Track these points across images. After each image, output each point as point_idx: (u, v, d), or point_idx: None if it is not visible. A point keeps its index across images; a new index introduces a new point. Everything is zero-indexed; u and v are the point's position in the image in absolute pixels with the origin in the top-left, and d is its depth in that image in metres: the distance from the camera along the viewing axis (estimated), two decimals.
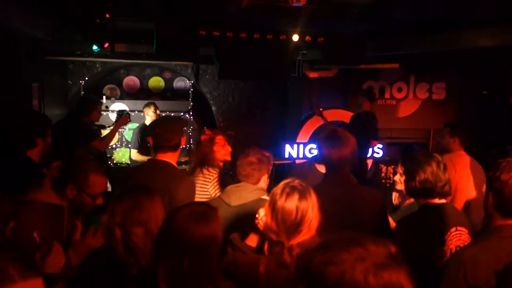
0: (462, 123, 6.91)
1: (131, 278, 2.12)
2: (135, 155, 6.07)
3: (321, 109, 6.21)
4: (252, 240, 2.32)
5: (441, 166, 2.45)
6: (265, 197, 2.84)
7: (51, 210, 2.31)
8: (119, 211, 2.33)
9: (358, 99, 5.99)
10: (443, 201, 2.47)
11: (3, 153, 3.21)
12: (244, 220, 2.75)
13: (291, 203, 1.99)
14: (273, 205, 2.03)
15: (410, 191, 2.54)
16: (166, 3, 4.18)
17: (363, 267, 1.11)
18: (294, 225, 1.99)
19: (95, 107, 5.04)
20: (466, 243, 2.36)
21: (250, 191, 2.87)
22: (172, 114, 7.46)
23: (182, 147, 7.52)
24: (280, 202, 2.01)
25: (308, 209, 2.00)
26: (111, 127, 5.51)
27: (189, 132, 7.85)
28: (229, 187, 2.97)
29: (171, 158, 3.01)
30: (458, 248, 2.34)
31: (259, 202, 2.77)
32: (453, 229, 2.39)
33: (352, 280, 1.10)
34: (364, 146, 5.62)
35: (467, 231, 2.43)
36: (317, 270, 1.15)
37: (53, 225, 2.28)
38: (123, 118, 5.33)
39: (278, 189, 2.07)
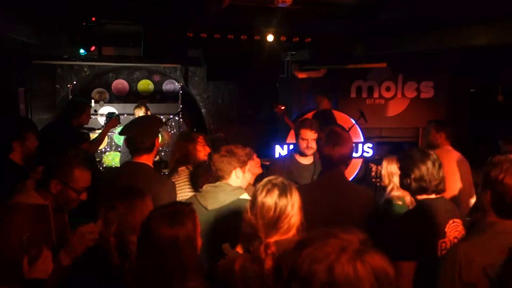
0: (451, 121, 7.00)
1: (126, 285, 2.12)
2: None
3: (282, 107, 5.90)
4: (240, 247, 2.31)
5: (436, 164, 2.48)
6: (244, 196, 2.80)
7: (35, 210, 2.27)
8: (113, 220, 2.32)
9: (316, 97, 6.11)
10: (438, 195, 2.51)
11: None
12: (223, 225, 2.70)
13: (270, 199, 1.99)
14: (253, 200, 2.04)
15: (405, 187, 2.58)
16: (153, 5, 4.17)
17: (347, 256, 1.10)
18: (272, 222, 1.97)
19: (84, 110, 5.01)
20: (461, 234, 2.44)
21: (227, 193, 2.76)
22: (162, 117, 7.43)
23: (168, 150, 7.54)
24: (260, 197, 2.00)
25: (287, 206, 1.99)
26: (100, 130, 5.48)
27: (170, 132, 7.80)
28: (206, 187, 2.85)
29: (147, 159, 2.99)
30: (456, 240, 2.40)
31: (237, 203, 2.72)
32: (451, 221, 2.45)
33: (342, 273, 1.09)
34: None
35: (461, 223, 2.50)
36: (303, 271, 1.12)
37: (39, 226, 2.24)
38: (113, 120, 5.30)
39: (260, 185, 2.07)
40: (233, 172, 2.81)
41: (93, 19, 4.31)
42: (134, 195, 2.41)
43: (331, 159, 2.82)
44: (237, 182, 2.83)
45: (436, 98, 7.17)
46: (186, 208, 1.92)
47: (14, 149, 3.20)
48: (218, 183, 2.81)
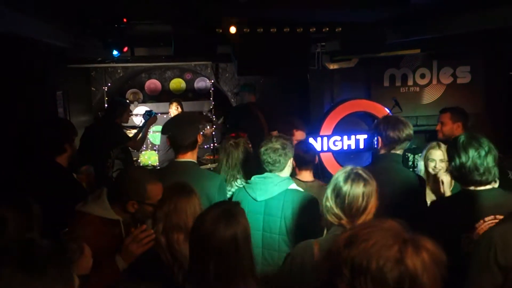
0: (489, 106, 6.76)
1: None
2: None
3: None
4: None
5: (482, 152, 2.30)
6: (292, 186, 2.84)
7: (106, 225, 2.30)
8: (160, 219, 2.35)
9: (240, 93, 6.06)
10: (485, 187, 2.35)
11: (34, 160, 3.30)
12: (273, 215, 2.78)
13: (358, 189, 2.06)
14: (337, 191, 2.09)
15: (451, 175, 2.55)
16: (182, 4, 4.21)
17: (411, 248, 1.15)
18: (360, 211, 2.06)
19: (126, 109, 5.21)
20: None
21: (276, 184, 2.82)
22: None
23: (206, 147, 7.63)
24: (346, 187, 2.07)
25: (372, 194, 2.08)
26: (135, 130, 5.62)
27: (213, 132, 7.88)
28: (254, 179, 2.92)
29: (191, 156, 3.04)
30: None
31: (287, 194, 2.80)
32: (490, 217, 2.27)
33: (413, 265, 1.14)
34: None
35: None
36: (373, 268, 1.14)
37: (108, 240, 2.28)
38: (152, 118, 5.48)
39: (341, 175, 2.13)
40: (288, 163, 2.91)
41: (125, 20, 4.39)
42: (180, 194, 2.43)
43: (395, 141, 3.02)
44: (286, 173, 2.91)
45: (473, 83, 6.94)
46: (236, 206, 1.92)
47: (66, 150, 3.29)
48: (266, 174, 2.88)
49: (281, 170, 2.87)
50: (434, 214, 2.50)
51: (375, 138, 3.58)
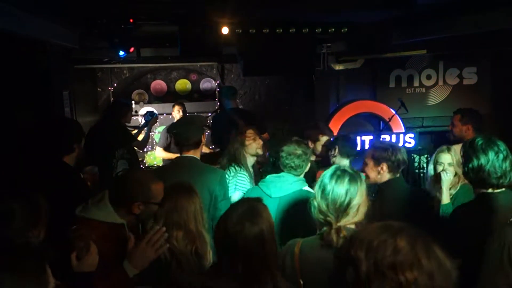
0: (496, 107, 6.73)
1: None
2: (160, 152, 6.21)
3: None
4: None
5: (500, 156, 2.27)
6: (307, 188, 2.95)
7: (112, 230, 2.28)
8: (160, 217, 2.39)
9: (221, 99, 5.99)
10: (500, 190, 2.31)
11: (42, 159, 3.31)
12: (286, 212, 2.88)
13: (342, 186, 2.06)
14: (323, 187, 2.10)
15: (465, 177, 2.48)
16: (188, 4, 4.22)
17: (422, 245, 1.20)
18: (343, 206, 2.04)
19: (130, 109, 5.24)
20: None
21: (291, 183, 2.95)
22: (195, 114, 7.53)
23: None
24: (331, 184, 2.07)
25: (357, 192, 2.06)
26: (136, 130, 5.66)
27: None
28: (269, 177, 3.05)
29: (193, 154, 3.24)
30: None
31: (300, 193, 2.90)
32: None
33: (429, 264, 1.19)
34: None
35: None
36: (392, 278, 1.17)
37: (114, 245, 2.25)
38: (154, 118, 5.52)
39: (328, 172, 2.14)
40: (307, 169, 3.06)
41: (131, 20, 4.41)
42: (181, 192, 2.46)
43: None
44: (301, 173, 3.04)
45: (479, 84, 6.91)
46: (259, 203, 1.92)
47: (75, 150, 3.30)
48: (282, 173, 3.02)
49: (301, 174, 3.01)
50: (454, 221, 2.46)
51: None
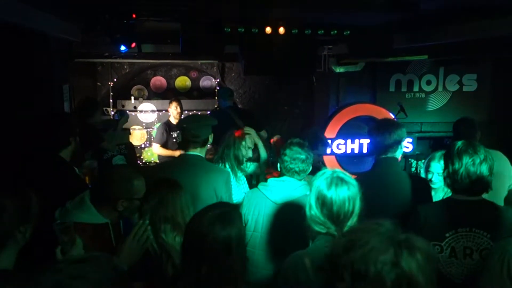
0: (495, 115, 6.74)
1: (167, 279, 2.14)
2: (157, 149, 6.20)
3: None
4: None
5: (476, 161, 2.25)
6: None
7: (97, 230, 2.29)
8: (146, 212, 2.40)
9: (221, 100, 5.97)
10: (474, 197, 2.31)
11: (38, 153, 3.29)
12: (289, 219, 2.76)
13: (343, 194, 1.99)
14: (322, 199, 2.02)
15: (444, 182, 2.47)
16: (190, 2, 4.21)
17: (406, 250, 1.19)
18: (348, 216, 1.99)
19: (97, 108, 4.98)
20: (482, 247, 2.25)
21: (295, 188, 2.84)
22: (199, 113, 7.51)
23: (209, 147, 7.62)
24: (331, 194, 2.00)
25: (356, 196, 2.02)
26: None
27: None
28: (272, 181, 2.93)
29: (200, 152, 3.19)
30: (467, 250, 2.25)
31: (306, 199, 2.77)
32: (466, 229, 2.25)
33: (408, 268, 1.20)
34: None
35: (488, 235, 2.26)
36: (371, 273, 1.18)
37: (100, 245, 2.27)
38: (124, 118, 5.27)
39: (322, 182, 2.05)
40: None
41: (133, 16, 4.39)
42: (166, 188, 2.47)
43: (384, 145, 2.97)
44: (304, 177, 2.94)
45: (479, 91, 6.92)
46: (235, 209, 1.92)
47: (71, 143, 3.29)
48: (285, 177, 2.89)
49: (303, 178, 2.92)
50: (418, 217, 2.45)
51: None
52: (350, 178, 2.07)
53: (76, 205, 2.33)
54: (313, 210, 2.04)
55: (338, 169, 2.12)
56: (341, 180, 2.03)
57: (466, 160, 2.26)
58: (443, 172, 2.43)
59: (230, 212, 1.86)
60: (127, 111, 5.73)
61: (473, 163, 2.25)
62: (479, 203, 2.33)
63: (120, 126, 5.21)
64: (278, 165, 2.96)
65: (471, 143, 2.36)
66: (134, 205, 2.37)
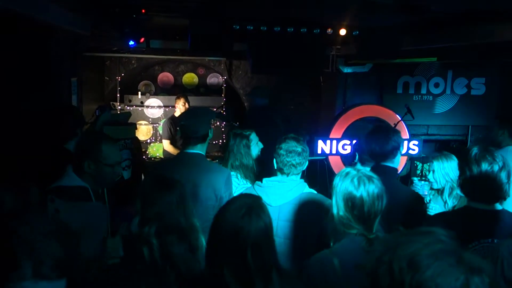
0: (503, 119, 6.70)
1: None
2: (167, 146, 6.22)
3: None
4: None
5: (495, 168, 2.18)
6: (308, 189, 2.78)
7: (75, 192, 2.35)
8: (152, 218, 2.27)
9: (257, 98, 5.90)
10: (492, 206, 2.24)
11: (45, 145, 3.31)
12: (288, 222, 2.67)
13: (373, 193, 1.98)
14: (351, 200, 1.99)
15: (460, 189, 2.41)
16: None
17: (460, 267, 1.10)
18: (378, 213, 1.98)
19: (67, 120, 4.82)
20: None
21: (290, 189, 2.71)
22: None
23: (215, 142, 7.65)
24: (360, 194, 1.97)
25: (383, 194, 2.00)
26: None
27: (222, 128, 7.90)
28: (267, 182, 2.79)
29: (200, 149, 3.03)
30: None
31: (302, 198, 2.69)
32: (488, 240, 2.19)
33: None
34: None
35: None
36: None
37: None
38: (104, 115, 5.12)
39: (348, 182, 2.01)
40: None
41: (143, 11, 4.40)
42: (161, 187, 2.38)
43: (378, 153, 2.89)
44: (298, 176, 2.82)
45: (487, 95, 6.89)
46: (258, 199, 1.89)
47: (77, 135, 3.31)
48: (280, 178, 2.77)
49: (300, 172, 2.80)
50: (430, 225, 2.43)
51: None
52: (374, 175, 2.04)
53: (59, 177, 2.42)
54: (341, 211, 2.00)
55: (361, 167, 2.09)
56: (368, 178, 2.00)
57: (485, 167, 2.20)
58: (459, 178, 2.37)
59: (257, 202, 1.82)
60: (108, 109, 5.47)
61: (492, 170, 2.19)
62: (500, 213, 2.25)
63: (100, 122, 4.68)
64: (274, 161, 2.81)
65: (487, 148, 2.30)
66: (103, 170, 2.39)
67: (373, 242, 1.92)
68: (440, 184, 3.65)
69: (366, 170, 2.07)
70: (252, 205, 1.76)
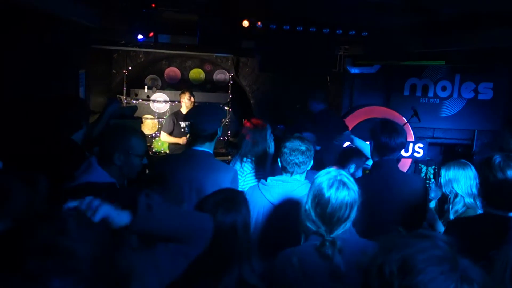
0: (510, 124, 6.67)
1: None
2: (164, 136, 6.32)
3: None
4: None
5: None
6: None
7: (104, 189, 2.28)
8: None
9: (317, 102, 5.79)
10: (509, 214, 2.22)
11: (51, 136, 3.32)
12: (289, 221, 2.63)
13: (341, 199, 1.95)
14: (318, 198, 1.98)
15: (480, 197, 2.43)
16: None
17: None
18: (341, 220, 1.95)
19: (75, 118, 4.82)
20: None
21: (295, 189, 2.72)
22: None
23: (220, 139, 7.66)
24: (328, 195, 1.96)
25: (355, 203, 1.97)
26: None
27: (227, 124, 7.90)
28: (271, 180, 2.80)
29: (208, 147, 3.00)
30: None
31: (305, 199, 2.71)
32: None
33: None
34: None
35: None
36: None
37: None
38: (113, 105, 5.08)
39: (324, 181, 2.00)
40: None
41: (153, 5, 4.40)
42: (160, 183, 2.40)
43: (387, 147, 2.88)
44: (303, 176, 2.82)
45: (495, 100, 6.86)
46: (240, 195, 1.94)
47: (82, 127, 3.31)
48: (285, 177, 2.77)
49: (304, 171, 2.79)
50: (451, 232, 2.39)
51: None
52: (353, 184, 2.01)
53: (83, 170, 2.36)
54: (308, 205, 2.01)
55: (345, 171, 2.05)
56: (343, 184, 1.98)
57: (511, 174, 2.19)
58: (480, 185, 2.35)
59: (235, 198, 1.90)
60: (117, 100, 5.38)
61: None
62: None
63: (106, 114, 4.22)
64: (279, 160, 2.82)
65: (509, 155, 2.29)
66: (132, 162, 2.38)
67: (330, 244, 1.92)
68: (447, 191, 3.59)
69: (349, 177, 2.03)
70: (227, 199, 1.88)
